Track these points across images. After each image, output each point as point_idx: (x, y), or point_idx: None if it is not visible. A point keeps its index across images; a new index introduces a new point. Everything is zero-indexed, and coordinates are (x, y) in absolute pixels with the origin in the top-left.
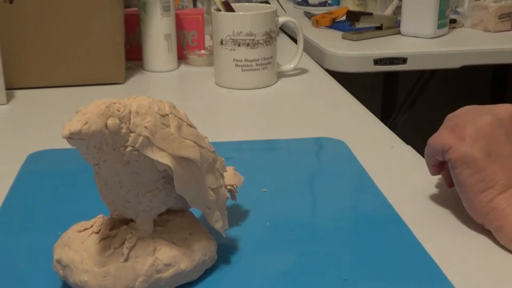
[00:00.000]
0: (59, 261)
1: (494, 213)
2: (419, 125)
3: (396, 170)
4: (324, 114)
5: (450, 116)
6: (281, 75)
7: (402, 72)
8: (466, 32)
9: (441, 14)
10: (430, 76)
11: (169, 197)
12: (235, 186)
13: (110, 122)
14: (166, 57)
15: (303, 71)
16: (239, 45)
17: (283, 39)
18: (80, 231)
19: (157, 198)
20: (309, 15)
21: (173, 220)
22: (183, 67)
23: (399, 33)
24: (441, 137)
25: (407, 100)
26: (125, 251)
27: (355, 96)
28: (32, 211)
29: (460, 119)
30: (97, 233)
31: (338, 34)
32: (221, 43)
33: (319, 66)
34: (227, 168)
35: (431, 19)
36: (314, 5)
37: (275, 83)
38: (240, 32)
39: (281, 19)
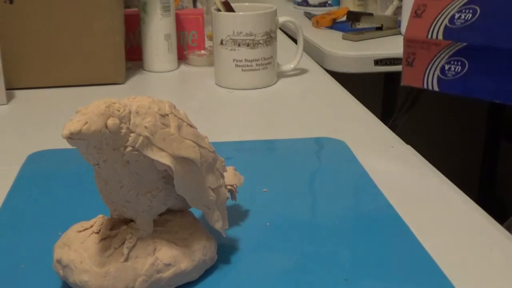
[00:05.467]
0: (59, 261)
1: None
2: (419, 125)
3: (396, 170)
4: (324, 114)
5: None
6: (281, 75)
7: None
8: None
9: None
10: None
11: (169, 197)
12: (235, 186)
13: (110, 122)
14: (166, 57)
15: (303, 71)
16: (239, 45)
17: (283, 39)
18: (80, 231)
19: (157, 198)
20: (309, 16)
21: (173, 220)
22: (183, 67)
23: (399, 33)
24: None
25: (407, 100)
26: (125, 251)
27: (355, 96)
28: (32, 211)
29: None
30: (97, 233)
31: (338, 34)
32: (221, 43)
33: (319, 66)
34: (227, 168)
35: None
36: (314, 6)
37: (275, 83)
38: (240, 32)
39: (281, 19)
